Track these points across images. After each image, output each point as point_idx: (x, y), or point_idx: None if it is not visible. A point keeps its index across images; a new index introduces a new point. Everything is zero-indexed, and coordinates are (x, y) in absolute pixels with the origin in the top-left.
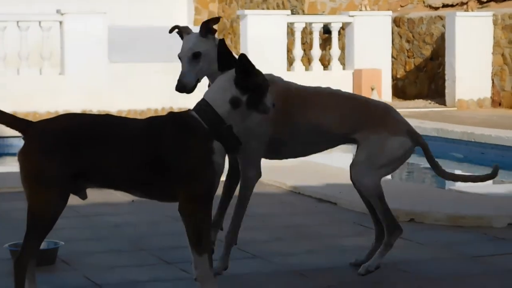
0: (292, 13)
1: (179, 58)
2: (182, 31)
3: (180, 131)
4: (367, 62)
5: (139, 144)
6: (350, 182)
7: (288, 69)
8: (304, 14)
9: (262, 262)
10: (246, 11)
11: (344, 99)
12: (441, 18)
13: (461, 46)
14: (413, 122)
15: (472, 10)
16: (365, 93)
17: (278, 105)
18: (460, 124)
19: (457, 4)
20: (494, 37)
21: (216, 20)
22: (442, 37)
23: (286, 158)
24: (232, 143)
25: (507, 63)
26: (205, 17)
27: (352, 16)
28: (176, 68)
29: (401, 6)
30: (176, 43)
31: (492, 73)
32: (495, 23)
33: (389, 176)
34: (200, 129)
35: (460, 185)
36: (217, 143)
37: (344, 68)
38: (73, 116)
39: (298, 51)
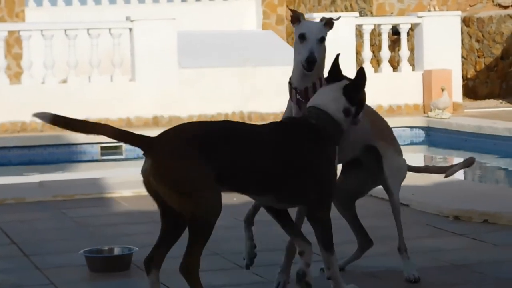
0: (361, 15)
1: (303, 36)
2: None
3: (312, 136)
4: (437, 63)
5: (274, 148)
6: (422, 184)
7: None
8: (372, 16)
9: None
10: (315, 14)
11: (372, 113)
12: (510, 17)
13: None
14: (485, 123)
15: None
16: (436, 93)
17: None
18: None
19: None
20: None
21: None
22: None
23: None
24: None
25: None
26: (273, 21)
27: (421, 17)
28: (246, 73)
29: (470, 6)
30: (247, 47)
31: None
32: None
33: (462, 177)
34: (328, 135)
35: None
36: (337, 148)
37: (413, 69)
38: (192, 123)
39: (367, 53)
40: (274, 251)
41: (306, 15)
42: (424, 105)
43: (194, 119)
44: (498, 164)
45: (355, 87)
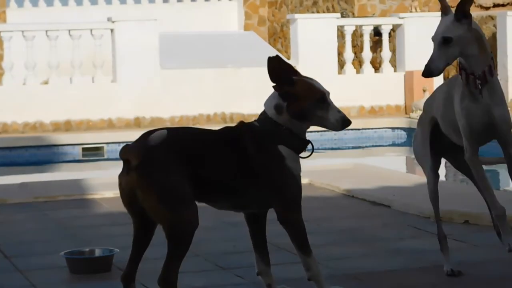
0: (342, 16)
1: (432, 40)
2: (443, 10)
3: (253, 141)
4: (419, 64)
5: (230, 155)
6: (404, 185)
7: (340, 72)
8: (354, 17)
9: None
10: (296, 15)
11: None
12: (492, 18)
13: None
14: None
15: None
16: (417, 94)
17: None
18: None
19: (508, 3)
20: None
21: (471, 1)
22: (493, 37)
23: None
24: (296, 144)
25: None
26: (255, 22)
27: (402, 18)
28: (228, 74)
29: (452, 7)
30: (228, 48)
31: None
32: None
33: (442, 178)
34: (263, 137)
35: None
36: (283, 148)
37: (395, 70)
38: (166, 130)
39: (349, 54)
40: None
41: (288, 16)
42: (406, 106)
43: (176, 120)
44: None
45: (273, 79)
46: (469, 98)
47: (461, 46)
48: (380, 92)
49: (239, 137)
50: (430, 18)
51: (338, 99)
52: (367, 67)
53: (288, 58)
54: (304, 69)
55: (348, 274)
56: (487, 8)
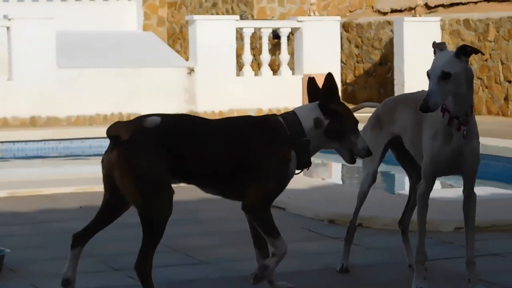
0: (242, 18)
1: (427, 74)
2: (436, 47)
3: (266, 134)
4: (316, 67)
5: (227, 143)
6: (299, 187)
7: (238, 74)
8: (253, 19)
9: (209, 268)
10: (195, 17)
11: None
12: (389, 23)
13: (409, 51)
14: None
15: (420, 15)
16: None
17: None
18: None
19: (405, 9)
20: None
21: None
22: (390, 42)
23: None
24: (304, 158)
25: None
26: (154, 22)
27: (301, 21)
28: (126, 74)
29: (350, 11)
30: (127, 49)
31: None
32: (442, 28)
33: (339, 181)
34: (284, 135)
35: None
36: (293, 153)
37: (293, 73)
38: (155, 117)
39: (247, 56)
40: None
41: (187, 17)
42: None
43: (73, 120)
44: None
45: (324, 98)
46: (444, 138)
47: (456, 84)
48: (278, 94)
49: (243, 128)
50: (328, 22)
51: (236, 101)
52: (266, 69)
53: (187, 60)
54: (203, 70)
55: (242, 276)
56: (385, 14)
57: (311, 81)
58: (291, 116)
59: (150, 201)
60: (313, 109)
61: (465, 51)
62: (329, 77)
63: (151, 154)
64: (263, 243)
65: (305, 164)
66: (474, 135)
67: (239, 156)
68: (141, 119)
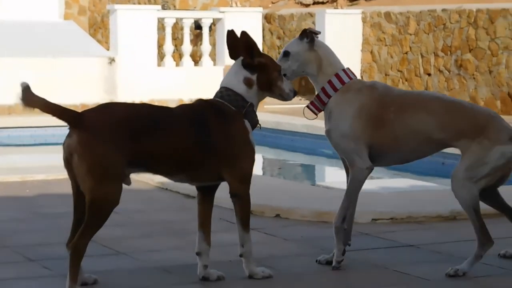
0: (163, 8)
1: None
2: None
3: (219, 116)
4: None
5: (187, 130)
6: None
7: (159, 65)
8: (175, 9)
9: (126, 259)
10: (116, 6)
11: (447, 104)
12: (311, 15)
13: (331, 43)
14: (284, 119)
15: (342, 8)
16: None
17: (373, 110)
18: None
19: (327, 1)
20: (363, 35)
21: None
22: None
23: (387, 165)
24: (254, 120)
25: (375, 60)
26: (75, 11)
27: (223, 12)
28: (46, 63)
29: (272, 3)
30: (47, 38)
31: (361, 70)
32: (364, 20)
33: (259, 172)
34: (232, 112)
35: (327, 182)
36: (247, 123)
37: (215, 64)
38: (118, 105)
39: (168, 47)
40: (64, 244)
41: (108, 7)
42: None
43: None
44: (296, 160)
45: (246, 56)
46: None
47: (294, 62)
48: (199, 85)
49: (199, 113)
50: (250, 13)
51: (157, 91)
52: (187, 60)
53: (108, 49)
54: (124, 60)
55: (158, 267)
56: (307, 5)
57: (230, 34)
58: (225, 91)
59: (99, 188)
60: (237, 71)
61: (304, 34)
62: (244, 34)
63: (109, 142)
64: (208, 228)
65: (254, 124)
66: (336, 117)
67: (200, 139)
68: (103, 106)
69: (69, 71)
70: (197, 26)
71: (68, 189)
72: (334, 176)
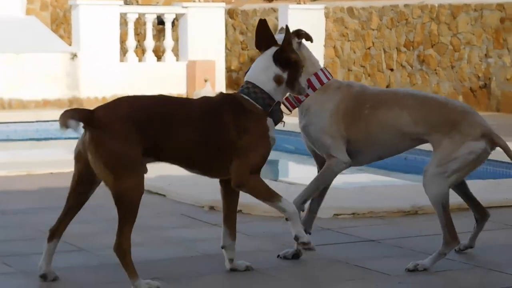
0: (126, 4)
1: None
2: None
3: (239, 113)
4: (201, 54)
5: (203, 124)
6: (180, 174)
7: (122, 60)
8: (138, 4)
9: (87, 255)
10: (78, 1)
11: (420, 99)
12: (274, 10)
13: None
14: None
15: (305, 3)
16: (199, 84)
17: (349, 107)
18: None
19: None
20: (326, 30)
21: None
22: (275, 30)
23: (362, 164)
24: (279, 117)
25: (338, 56)
26: (37, 6)
27: (186, 7)
28: (8, 59)
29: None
30: (9, 33)
31: (324, 65)
32: (326, 16)
33: None
34: (255, 111)
35: (290, 177)
36: (269, 120)
37: (177, 60)
38: (132, 99)
39: (131, 42)
40: (28, 240)
41: (70, 2)
42: (187, 95)
43: None
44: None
45: (282, 50)
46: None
47: None
48: (162, 81)
49: (217, 108)
50: (213, 8)
51: (120, 87)
52: (150, 55)
53: (70, 44)
54: (86, 56)
55: (117, 263)
56: (270, 1)
57: (262, 24)
58: (252, 88)
59: (121, 181)
60: (268, 67)
61: (296, 33)
62: (286, 29)
63: (118, 137)
64: (232, 223)
65: (278, 120)
66: (315, 113)
67: (217, 136)
68: (116, 101)
69: (31, 67)
70: (160, 21)
71: (29, 186)
72: (297, 172)
